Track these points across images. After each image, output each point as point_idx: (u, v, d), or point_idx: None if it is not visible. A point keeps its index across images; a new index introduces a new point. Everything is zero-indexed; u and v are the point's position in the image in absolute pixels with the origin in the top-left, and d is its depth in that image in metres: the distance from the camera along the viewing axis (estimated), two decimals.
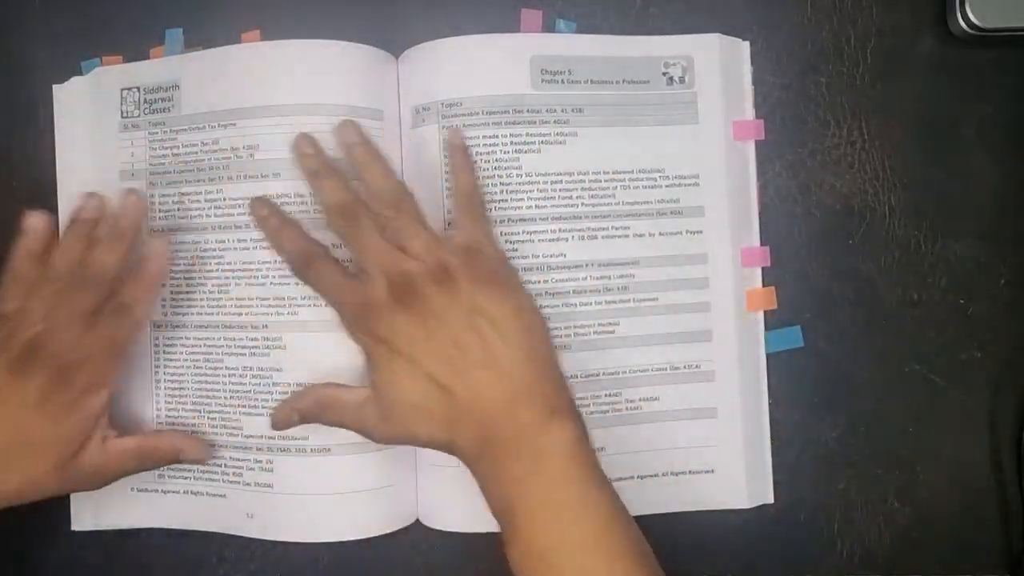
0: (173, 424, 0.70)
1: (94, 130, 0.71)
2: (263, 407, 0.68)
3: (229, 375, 0.69)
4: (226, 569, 0.71)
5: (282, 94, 0.68)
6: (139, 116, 0.70)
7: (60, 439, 0.63)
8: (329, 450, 0.67)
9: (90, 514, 0.71)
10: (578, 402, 0.66)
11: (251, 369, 0.68)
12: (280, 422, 0.65)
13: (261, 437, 0.68)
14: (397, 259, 0.61)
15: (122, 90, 0.71)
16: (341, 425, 0.64)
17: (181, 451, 0.67)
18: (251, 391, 0.68)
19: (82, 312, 0.63)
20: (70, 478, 0.64)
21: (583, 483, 0.57)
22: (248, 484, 0.69)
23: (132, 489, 0.70)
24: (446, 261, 0.60)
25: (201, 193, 0.69)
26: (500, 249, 0.65)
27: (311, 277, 0.64)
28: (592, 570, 0.55)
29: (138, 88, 0.71)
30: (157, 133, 0.70)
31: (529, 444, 0.57)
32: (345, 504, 0.68)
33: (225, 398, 0.69)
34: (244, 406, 0.69)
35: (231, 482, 0.69)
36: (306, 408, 0.65)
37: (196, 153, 0.69)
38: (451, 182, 0.65)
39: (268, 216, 0.66)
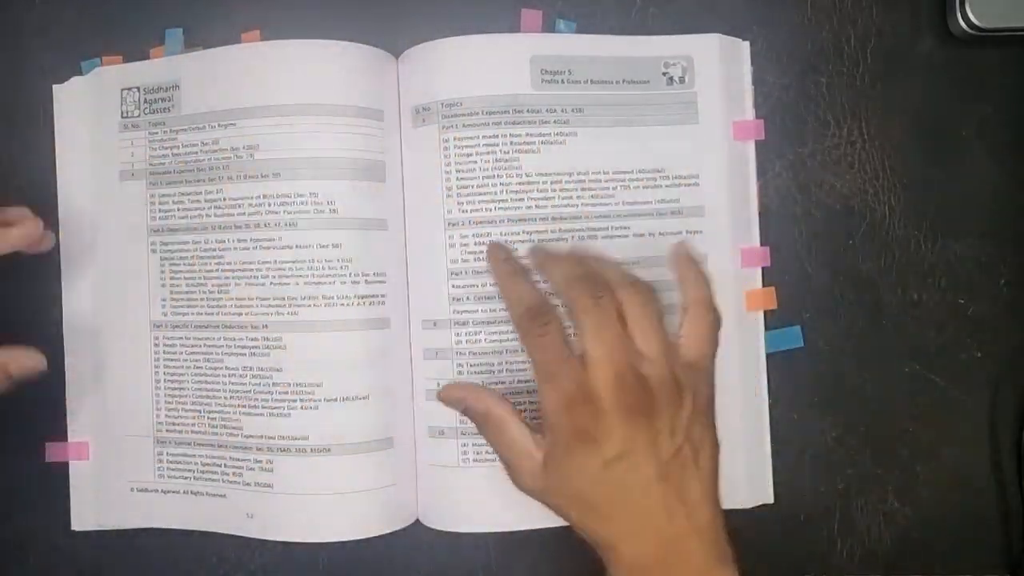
0: (174, 424, 0.70)
1: (94, 130, 0.71)
2: (263, 407, 0.68)
3: (229, 375, 0.69)
4: (226, 569, 0.71)
5: (282, 94, 0.68)
6: (139, 116, 0.71)
7: None
8: (329, 450, 0.67)
9: (90, 514, 0.71)
10: None
11: (251, 369, 0.68)
12: (448, 400, 0.62)
13: (261, 437, 0.68)
14: (635, 357, 0.56)
15: (122, 90, 0.71)
16: (494, 447, 0.60)
17: (6, 364, 0.63)
18: (251, 391, 0.68)
19: None
20: None
21: None
22: (248, 484, 0.69)
23: (132, 489, 0.70)
24: (678, 376, 0.56)
25: (201, 193, 0.69)
26: (713, 366, 0.60)
27: (532, 334, 0.57)
28: None
29: (138, 88, 0.71)
30: (157, 133, 0.70)
31: None
32: (345, 504, 0.68)
33: (225, 398, 0.69)
34: (244, 406, 0.68)
35: (231, 482, 0.69)
36: (476, 411, 0.60)
37: (196, 153, 0.69)
38: (685, 291, 0.60)
39: (504, 260, 0.62)
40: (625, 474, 0.55)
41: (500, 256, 0.62)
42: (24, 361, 0.63)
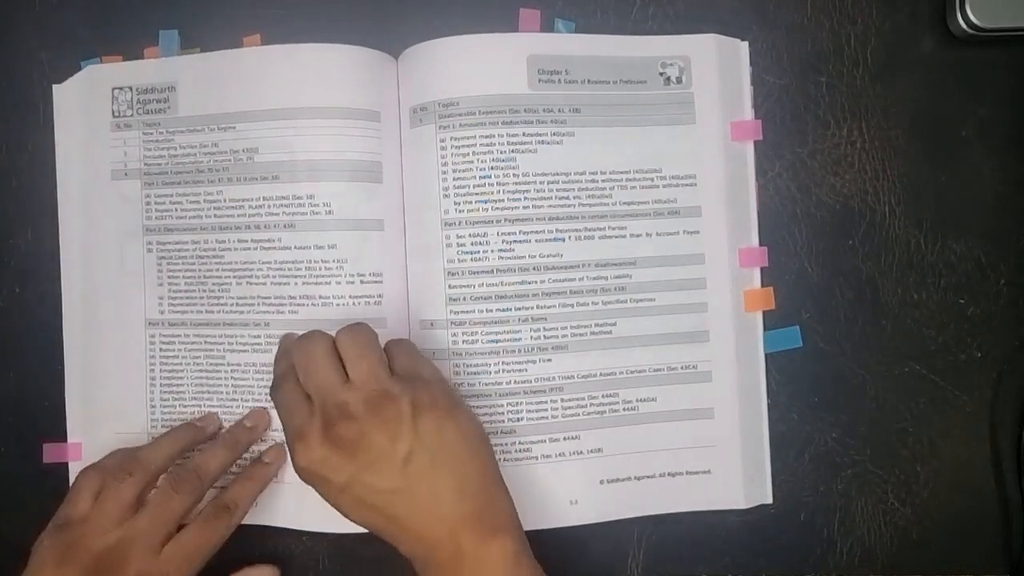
0: (170, 421, 0.70)
1: (85, 128, 0.72)
2: (266, 401, 0.69)
3: (231, 371, 0.70)
4: (226, 569, 0.71)
5: (281, 98, 0.68)
6: (132, 116, 0.71)
7: None
8: None
9: None
10: (576, 403, 0.68)
11: (254, 365, 0.70)
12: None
13: (264, 430, 0.69)
14: (339, 390, 0.59)
15: (113, 89, 0.71)
16: None
17: None
18: (254, 386, 0.70)
19: (169, 520, 0.63)
20: None
21: None
22: None
23: None
24: (388, 389, 0.58)
25: (200, 194, 0.70)
26: (437, 371, 0.64)
27: (275, 398, 0.62)
28: None
29: (131, 88, 0.71)
30: (152, 134, 0.70)
31: (470, 562, 0.56)
32: None
33: (227, 393, 0.70)
34: (248, 400, 0.70)
35: (235, 473, 0.70)
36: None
37: (194, 155, 0.70)
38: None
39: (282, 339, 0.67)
40: (363, 495, 0.58)
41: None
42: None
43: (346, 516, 0.59)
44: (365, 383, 0.59)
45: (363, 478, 0.57)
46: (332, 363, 0.60)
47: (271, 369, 0.68)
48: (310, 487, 0.60)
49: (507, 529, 0.58)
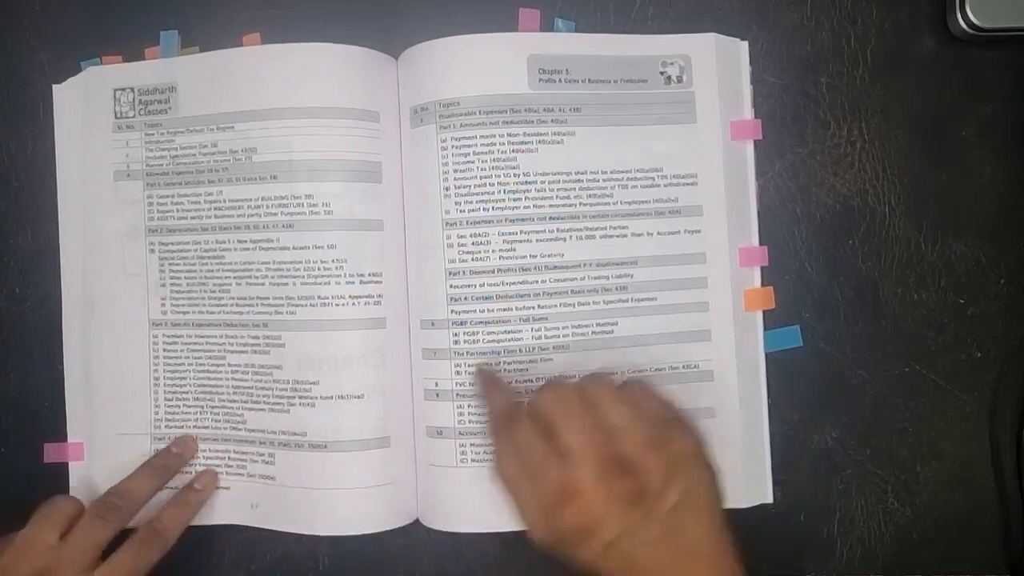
0: (173, 420, 0.71)
1: (87, 130, 0.72)
2: (264, 403, 0.69)
3: (231, 371, 0.70)
4: (226, 568, 0.71)
5: (280, 98, 0.68)
6: (134, 117, 0.71)
7: None
8: (326, 446, 0.68)
9: None
10: None
11: (253, 366, 0.70)
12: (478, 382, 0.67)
13: (263, 431, 0.69)
14: (610, 434, 0.56)
15: (115, 90, 0.71)
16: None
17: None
18: (253, 387, 0.69)
19: (95, 545, 0.64)
20: None
21: None
22: (252, 476, 0.70)
23: None
24: (656, 433, 0.56)
25: (200, 195, 0.70)
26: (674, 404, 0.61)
27: (507, 433, 0.59)
28: None
29: (132, 89, 0.71)
30: (154, 135, 0.70)
31: None
32: (343, 500, 0.68)
33: (228, 393, 0.70)
34: (247, 401, 0.70)
35: (235, 474, 0.70)
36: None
37: (194, 155, 0.70)
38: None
39: (485, 373, 0.66)
40: (629, 548, 0.55)
41: (483, 369, 0.66)
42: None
43: (590, 570, 0.56)
44: (632, 427, 0.56)
45: (635, 530, 0.54)
46: (591, 414, 0.57)
47: (270, 370, 0.69)
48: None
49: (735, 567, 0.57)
